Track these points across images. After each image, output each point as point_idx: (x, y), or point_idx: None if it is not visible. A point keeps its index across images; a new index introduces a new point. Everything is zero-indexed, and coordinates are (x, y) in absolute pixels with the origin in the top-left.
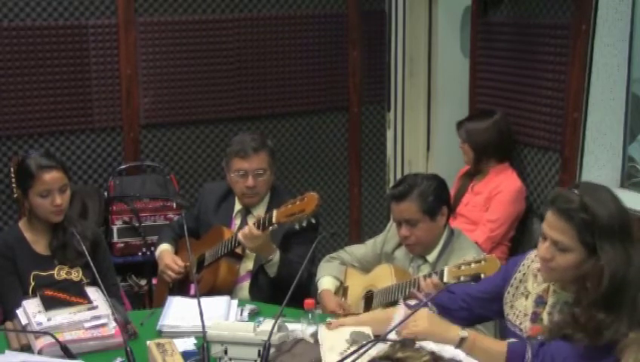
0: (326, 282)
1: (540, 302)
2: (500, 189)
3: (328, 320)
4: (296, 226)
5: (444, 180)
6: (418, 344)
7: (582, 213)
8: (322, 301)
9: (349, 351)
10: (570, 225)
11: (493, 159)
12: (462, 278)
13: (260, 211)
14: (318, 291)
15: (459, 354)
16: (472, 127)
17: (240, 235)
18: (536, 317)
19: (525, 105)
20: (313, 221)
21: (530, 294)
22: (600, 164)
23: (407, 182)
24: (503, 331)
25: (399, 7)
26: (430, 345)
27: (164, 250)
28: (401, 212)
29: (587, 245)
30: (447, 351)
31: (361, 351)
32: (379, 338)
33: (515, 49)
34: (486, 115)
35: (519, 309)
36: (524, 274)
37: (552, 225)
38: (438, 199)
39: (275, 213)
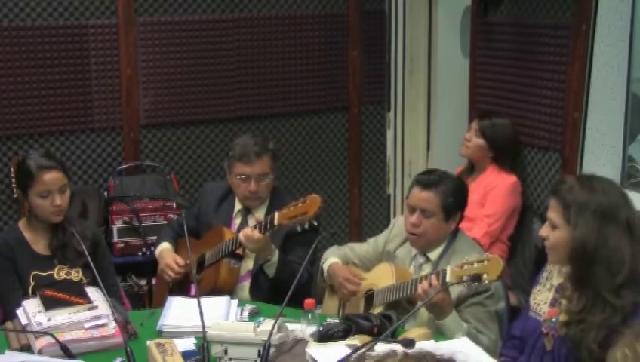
0: (334, 259)
1: (560, 289)
2: (496, 184)
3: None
4: (298, 228)
5: (467, 187)
6: (418, 344)
7: (567, 193)
8: (333, 272)
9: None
10: (557, 203)
11: (501, 160)
12: (464, 278)
13: (260, 212)
14: (325, 268)
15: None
16: (499, 122)
17: (241, 236)
18: (555, 302)
19: (525, 105)
20: (315, 223)
21: (553, 286)
22: (600, 164)
23: (439, 174)
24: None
25: (399, 7)
26: (432, 346)
27: (165, 249)
28: (420, 199)
29: (569, 223)
30: (449, 350)
31: (361, 351)
32: (379, 338)
33: (515, 49)
34: (501, 115)
35: (541, 299)
36: (549, 271)
37: (549, 205)
38: (457, 203)
39: (277, 215)
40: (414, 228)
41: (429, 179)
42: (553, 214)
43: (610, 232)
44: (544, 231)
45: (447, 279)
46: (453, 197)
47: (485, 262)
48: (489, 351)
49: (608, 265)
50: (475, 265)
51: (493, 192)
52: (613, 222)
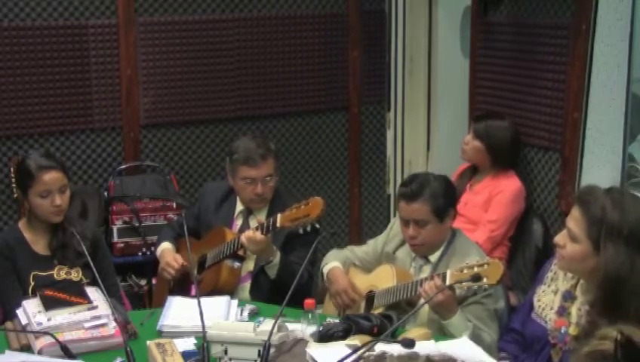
0: (335, 263)
1: (569, 296)
2: (500, 189)
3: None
4: (300, 230)
5: (452, 182)
6: (418, 344)
7: (596, 208)
8: (333, 277)
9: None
10: (583, 216)
11: (499, 162)
12: (464, 282)
13: (262, 213)
14: (326, 271)
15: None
16: (494, 124)
17: (243, 238)
18: (563, 311)
19: (525, 105)
20: (317, 225)
21: (558, 290)
22: (600, 164)
23: (419, 180)
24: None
25: (399, 7)
26: (430, 347)
27: (166, 248)
28: (411, 212)
29: (593, 240)
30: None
31: (361, 351)
32: (379, 338)
33: (515, 49)
34: (501, 117)
35: (546, 303)
36: (555, 272)
37: (571, 214)
38: (448, 201)
39: (279, 217)
40: (414, 240)
41: (411, 191)
42: (574, 226)
43: None
44: (561, 239)
45: (447, 282)
46: (444, 197)
47: (485, 266)
48: (490, 349)
49: (639, 294)
50: (476, 269)
51: (497, 197)
52: None
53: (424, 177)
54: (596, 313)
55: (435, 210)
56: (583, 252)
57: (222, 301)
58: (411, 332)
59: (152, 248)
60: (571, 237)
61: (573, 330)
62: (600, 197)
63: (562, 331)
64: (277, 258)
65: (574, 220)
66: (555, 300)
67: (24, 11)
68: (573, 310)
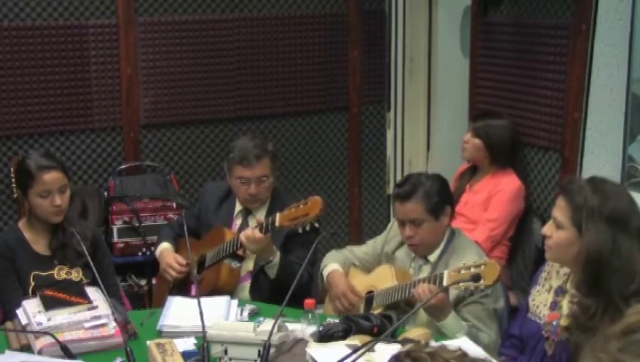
0: (335, 266)
1: (560, 291)
2: (500, 188)
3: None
4: (299, 229)
5: (446, 180)
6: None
7: (578, 195)
8: (333, 280)
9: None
10: (567, 203)
11: (498, 160)
12: (461, 282)
13: (261, 213)
14: (325, 274)
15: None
16: (493, 123)
17: (242, 237)
18: (555, 305)
19: (525, 105)
20: (316, 225)
21: (552, 288)
22: (600, 164)
23: (412, 181)
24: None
25: (399, 7)
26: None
27: (165, 248)
28: (406, 212)
29: (577, 226)
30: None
31: (360, 351)
32: (379, 338)
33: (515, 49)
34: (499, 116)
35: (540, 301)
36: (548, 272)
37: (556, 204)
38: (442, 199)
39: (278, 216)
40: (411, 240)
41: (405, 191)
42: (559, 214)
43: (622, 241)
44: (547, 229)
45: (445, 283)
46: (437, 194)
47: (482, 266)
48: (489, 349)
49: (621, 274)
50: (473, 269)
51: (497, 196)
52: (625, 230)
53: (417, 177)
54: (582, 294)
55: (430, 208)
56: (569, 238)
57: (222, 301)
58: (411, 333)
59: (152, 248)
60: (557, 226)
61: (564, 322)
62: (583, 186)
63: (554, 323)
64: (277, 258)
65: (559, 209)
66: (549, 297)
67: (24, 11)
68: (564, 303)
